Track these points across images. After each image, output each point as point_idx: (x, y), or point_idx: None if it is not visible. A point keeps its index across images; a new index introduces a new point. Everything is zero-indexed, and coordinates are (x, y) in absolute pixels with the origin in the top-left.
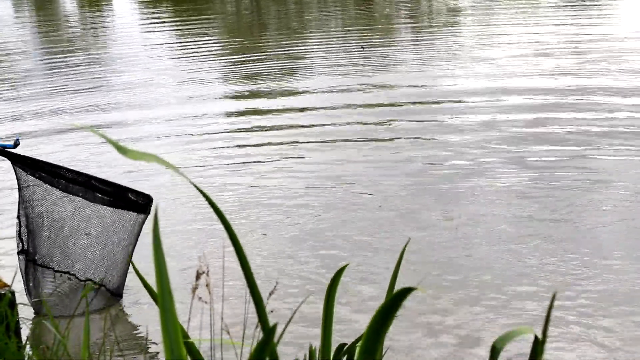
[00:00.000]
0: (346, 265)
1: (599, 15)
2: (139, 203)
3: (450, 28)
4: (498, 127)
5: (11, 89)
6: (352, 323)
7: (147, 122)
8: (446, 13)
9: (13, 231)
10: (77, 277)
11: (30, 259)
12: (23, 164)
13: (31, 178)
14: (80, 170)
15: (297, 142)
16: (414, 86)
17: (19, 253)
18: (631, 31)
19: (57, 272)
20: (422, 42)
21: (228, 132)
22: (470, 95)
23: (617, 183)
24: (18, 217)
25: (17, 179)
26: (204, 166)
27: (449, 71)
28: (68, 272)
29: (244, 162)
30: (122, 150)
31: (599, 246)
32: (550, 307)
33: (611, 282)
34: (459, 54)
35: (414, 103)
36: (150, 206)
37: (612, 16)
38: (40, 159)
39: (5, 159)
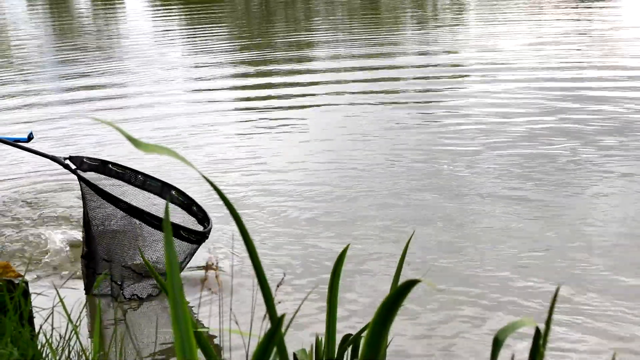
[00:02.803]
0: (347, 247)
1: (605, 7)
2: (191, 239)
3: (456, 18)
4: (504, 110)
5: (23, 81)
6: (358, 314)
7: (157, 105)
8: (452, 3)
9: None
10: (123, 294)
11: (91, 266)
12: (85, 182)
13: (92, 192)
14: (136, 206)
15: (302, 124)
16: (421, 68)
17: (82, 257)
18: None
19: (113, 281)
20: (429, 31)
21: (234, 115)
22: (476, 79)
23: (626, 170)
24: (83, 224)
25: (81, 188)
26: (209, 151)
27: (455, 55)
28: (120, 285)
29: (251, 144)
30: (135, 142)
31: (607, 239)
32: (554, 300)
33: (617, 276)
34: (464, 42)
35: (419, 90)
36: (205, 239)
37: (618, 7)
38: (104, 185)
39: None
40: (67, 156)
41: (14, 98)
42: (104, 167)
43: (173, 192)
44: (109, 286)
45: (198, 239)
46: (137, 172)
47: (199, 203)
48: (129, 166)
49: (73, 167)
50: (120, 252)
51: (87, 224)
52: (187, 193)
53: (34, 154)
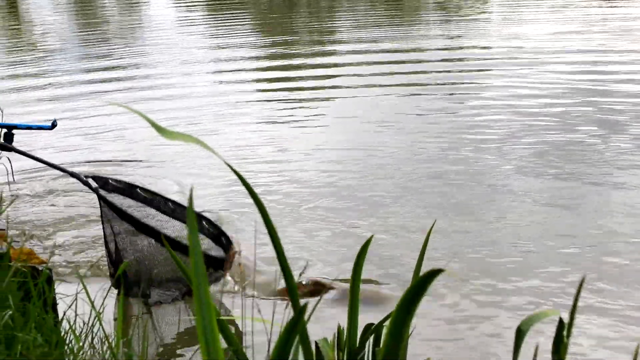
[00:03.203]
0: (370, 239)
1: None
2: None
3: (481, 6)
4: (531, 97)
5: (46, 65)
6: (380, 303)
7: (180, 89)
8: None
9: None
10: (148, 302)
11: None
12: (106, 203)
13: (113, 215)
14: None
15: (323, 113)
16: (445, 51)
17: (110, 275)
18: None
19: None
20: (453, 18)
21: (258, 100)
22: (502, 65)
23: None
24: (105, 244)
25: (100, 207)
26: (231, 137)
27: (480, 42)
28: (147, 294)
29: (273, 130)
30: (160, 130)
31: (634, 230)
32: (579, 291)
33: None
34: (490, 29)
35: (444, 77)
36: (220, 268)
37: None
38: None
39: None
40: (91, 175)
41: (37, 78)
42: (130, 190)
43: (203, 222)
44: (138, 292)
45: (212, 263)
46: (166, 199)
47: (227, 233)
48: (158, 192)
49: (94, 185)
50: (147, 262)
51: (108, 242)
52: (217, 224)
53: (54, 168)
